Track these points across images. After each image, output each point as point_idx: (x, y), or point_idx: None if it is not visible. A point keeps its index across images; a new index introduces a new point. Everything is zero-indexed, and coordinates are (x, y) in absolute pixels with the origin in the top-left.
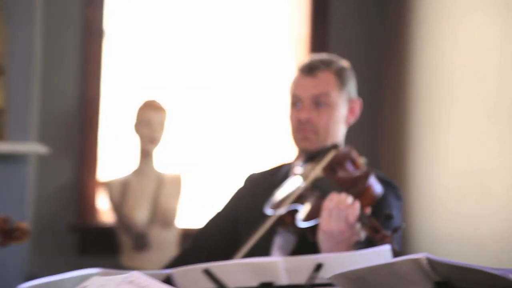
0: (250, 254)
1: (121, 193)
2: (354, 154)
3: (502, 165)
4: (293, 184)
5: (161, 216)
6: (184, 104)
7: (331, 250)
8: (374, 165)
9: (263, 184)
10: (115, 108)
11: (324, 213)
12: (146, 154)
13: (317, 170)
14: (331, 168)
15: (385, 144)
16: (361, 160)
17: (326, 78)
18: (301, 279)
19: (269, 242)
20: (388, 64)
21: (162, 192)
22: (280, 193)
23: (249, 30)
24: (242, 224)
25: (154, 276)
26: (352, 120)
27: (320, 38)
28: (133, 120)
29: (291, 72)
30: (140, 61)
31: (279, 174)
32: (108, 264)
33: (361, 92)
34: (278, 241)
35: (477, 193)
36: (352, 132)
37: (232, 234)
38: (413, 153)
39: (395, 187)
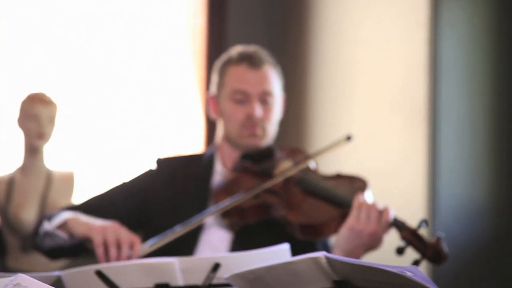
0: (174, 245)
1: (6, 192)
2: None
3: (398, 161)
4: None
5: None
6: (76, 98)
7: (353, 251)
8: None
9: (183, 172)
10: None
11: (355, 212)
12: (33, 151)
13: (302, 166)
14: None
15: (286, 140)
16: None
17: (270, 73)
18: (198, 280)
19: (195, 237)
20: (288, 57)
21: (52, 190)
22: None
23: (145, 22)
24: (155, 209)
25: (43, 279)
26: (281, 115)
27: (217, 29)
28: (17, 114)
29: (189, 64)
30: (25, 52)
31: (200, 164)
32: None
33: None
34: (207, 237)
35: (375, 190)
36: None
37: (137, 212)
38: (312, 150)
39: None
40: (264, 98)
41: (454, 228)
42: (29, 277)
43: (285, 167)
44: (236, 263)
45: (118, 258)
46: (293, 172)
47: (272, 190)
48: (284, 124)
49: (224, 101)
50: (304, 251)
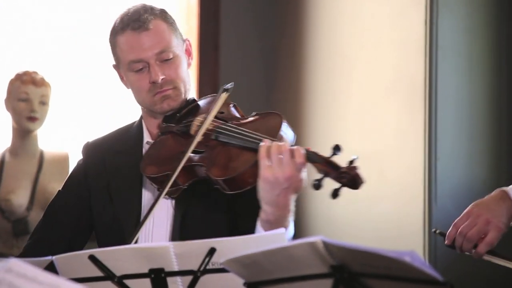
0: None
1: None
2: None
3: (396, 147)
4: (173, 145)
5: (43, 199)
6: (70, 77)
7: (277, 200)
8: None
9: (111, 152)
10: None
11: (263, 161)
12: (24, 133)
13: (209, 119)
14: (221, 118)
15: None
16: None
17: (159, 28)
18: (193, 265)
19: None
20: (282, 39)
21: (44, 173)
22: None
23: None
24: (95, 202)
25: (35, 264)
26: (191, 61)
27: (211, 29)
28: (5, 94)
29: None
30: (13, 27)
31: (129, 139)
32: None
33: (255, 70)
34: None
35: (373, 175)
36: (248, 113)
37: (83, 213)
38: (310, 133)
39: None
40: (163, 57)
41: (453, 212)
42: (21, 262)
43: (199, 122)
44: (231, 247)
45: None
46: (207, 125)
47: (195, 150)
48: (280, 104)
49: (126, 73)
50: (242, 204)
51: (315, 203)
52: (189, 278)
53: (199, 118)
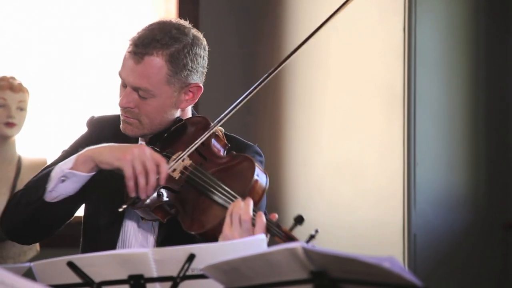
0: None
1: None
2: (213, 127)
3: (376, 153)
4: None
5: None
6: (48, 83)
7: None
8: None
9: (109, 136)
10: None
11: (227, 219)
12: (1, 138)
13: (185, 159)
14: (200, 154)
15: (261, 129)
16: (221, 131)
17: (152, 67)
18: (173, 271)
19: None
20: (261, 47)
21: (22, 178)
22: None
23: (117, 6)
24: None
25: (13, 270)
26: (190, 103)
27: (189, 13)
28: None
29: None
30: None
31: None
32: None
33: (234, 73)
34: (132, 230)
35: (353, 181)
36: (228, 119)
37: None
38: (289, 138)
39: (252, 145)
40: (140, 93)
41: (432, 217)
42: None
43: (175, 158)
44: (211, 253)
45: (146, 187)
46: (183, 164)
47: (168, 187)
48: (259, 110)
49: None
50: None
51: (294, 208)
52: (168, 285)
53: (174, 156)
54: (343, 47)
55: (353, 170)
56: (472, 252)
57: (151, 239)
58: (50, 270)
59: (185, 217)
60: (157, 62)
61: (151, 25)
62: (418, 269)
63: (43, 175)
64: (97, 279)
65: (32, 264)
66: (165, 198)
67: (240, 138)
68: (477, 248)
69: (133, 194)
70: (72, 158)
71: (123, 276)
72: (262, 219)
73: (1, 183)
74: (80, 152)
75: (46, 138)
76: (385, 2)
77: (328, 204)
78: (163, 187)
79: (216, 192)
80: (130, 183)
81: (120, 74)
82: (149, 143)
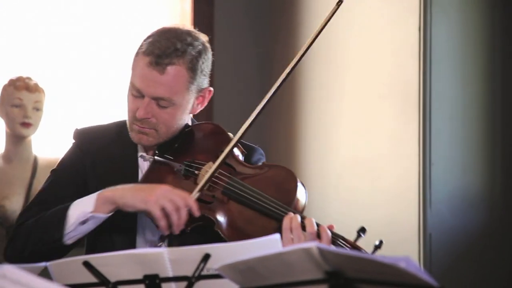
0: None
1: None
2: (231, 136)
3: (391, 153)
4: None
5: None
6: (62, 83)
7: None
8: (265, 152)
9: (103, 151)
10: None
11: (287, 234)
12: (18, 138)
13: (214, 168)
14: (226, 164)
15: (276, 130)
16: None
17: (175, 76)
18: (188, 271)
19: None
20: (277, 46)
21: (38, 178)
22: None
23: (132, 5)
24: (90, 185)
25: (29, 270)
26: (200, 108)
27: (204, 13)
28: None
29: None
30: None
31: (121, 144)
32: None
33: (250, 74)
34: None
35: (368, 181)
36: (243, 118)
37: (80, 188)
38: (305, 138)
39: (257, 147)
40: (160, 102)
41: (448, 217)
42: (15, 268)
43: (206, 169)
44: (226, 253)
45: (180, 222)
46: (214, 174)
47: (200, 199)
48: (275, 110)
49: (128, 86)
50: None
51: (309, 209)
52: (183, 284)
53: (205, 168)
54: (358, 46)
55: (368, 170)
56: (488, 252)
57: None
58: (65, 269)
59: (223, 227)
60: (179, 70)
61: (163, 33)
62: (433, 269)
63: (58, 213)
64: (112, 278)
65: (48, 263)
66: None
67: (245, 142)
68: (492, 247)
69: (167, 232)
70: (92, 199)
71: (139, 275)
72: (327, 232)
73: (17, 183)
74: (100, 193)
75: (61, 138)
76: (401, 1)
77: (343, 203)
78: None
79: (261, 203)
80: (162, 223)
81: (135, 85)
82: (158, 151)
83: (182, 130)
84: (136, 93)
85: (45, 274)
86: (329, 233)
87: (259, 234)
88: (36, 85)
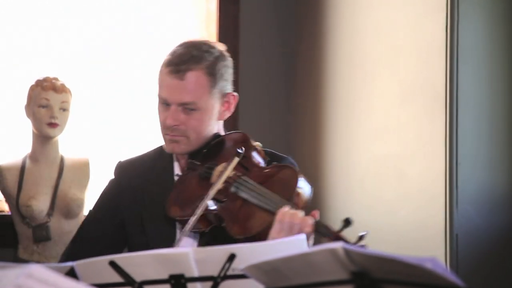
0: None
1: (17, 180)
2: (252, 141)
3: (417, 152)
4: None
5: (63, 205)
6: (90, 83)
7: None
8: (290, 151)
9: (142, 178)
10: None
11: (276, 225)
12: (44, 139)
13: (229, 170)
14: (242, 166)
15: (301, 129)
16: (259, 146)
17: (195, 80)
18: (213, 271)
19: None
20: (303, 45)
21: (64, 178)
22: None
23: (157, 7)
24: (127, 218)
25: (56, 269)
26: (228, 114)
27: (230, 14)
28: (26, 100)
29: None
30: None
31: (158, 169)
32: (3, 257)
33: (275, 75)
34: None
35: (394, 180)
36: (268, 118)
37: (118, 228)
38: (330, 137)
39: (287, 157)
40: (186, 107)
41: (475, 217)
42: (42, 268)
43: (220, 170)
44: (251, 253)
45: None
46: (227, 174)
47: (216, 198)
48: (299, 110)
49: (158, 99)
50: None
51: (334, 208)
52: (209, 284)
53: (219, 168)
54: (384, 45)
55: (394, 170)
56: None
57: (195, 245)
58: (92, 269)
59: (231, 224)
60: (198, 75)
61: (180, 45)
62: (460, 270)
63: None
64: (138, 278)
65: (74, 263)
66: (212, 208)
67: (275, 152)
68: None
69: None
70: None
71: (164, 275)
72: (309, 218)
73: (44, 183)
74: None
75: (88, 139)
76: (426, 0)
77: (369, 204)
78: (211, 199)
79: (262, 198)
80: None
81: (160, 95)
82: (190, 159)
83: (213, 138)
84: (163, 103)
85: (71, 274)
86: (311, 221)
87: (260, 228)
88: (63, 85)
